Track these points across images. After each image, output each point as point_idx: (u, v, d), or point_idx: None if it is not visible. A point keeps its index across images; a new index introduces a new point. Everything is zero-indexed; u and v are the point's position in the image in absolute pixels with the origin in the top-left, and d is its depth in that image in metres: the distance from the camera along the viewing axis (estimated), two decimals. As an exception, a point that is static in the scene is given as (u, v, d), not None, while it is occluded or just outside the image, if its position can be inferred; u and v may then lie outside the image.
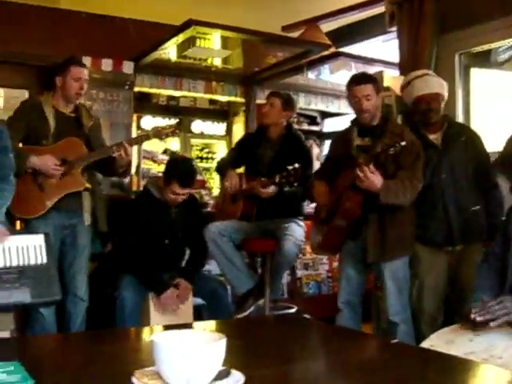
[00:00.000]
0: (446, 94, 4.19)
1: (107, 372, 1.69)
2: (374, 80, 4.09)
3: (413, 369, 1.86)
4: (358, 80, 4.06)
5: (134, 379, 1.53)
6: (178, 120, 7.71)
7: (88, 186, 4.33)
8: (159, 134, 4.56)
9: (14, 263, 3.47)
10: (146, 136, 4.59)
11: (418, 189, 3.84)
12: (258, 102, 7.39)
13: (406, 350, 2.28)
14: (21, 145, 4.28)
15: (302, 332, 2.51)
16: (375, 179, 3.71)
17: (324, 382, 1.81)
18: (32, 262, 3.52)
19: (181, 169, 4.63)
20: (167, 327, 2.24)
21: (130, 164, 4.55)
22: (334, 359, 2.06)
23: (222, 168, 5.06)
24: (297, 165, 4.34)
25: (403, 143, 3.68)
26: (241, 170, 5.06)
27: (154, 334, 1.51)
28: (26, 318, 4.17)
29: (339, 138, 4.29)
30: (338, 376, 1.87)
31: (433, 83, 4.16)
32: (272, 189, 4.52)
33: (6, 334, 3.32)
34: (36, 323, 4.09)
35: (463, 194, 4.04)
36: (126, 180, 6.02)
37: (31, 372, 1.59)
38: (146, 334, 2.17)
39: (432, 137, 4.10)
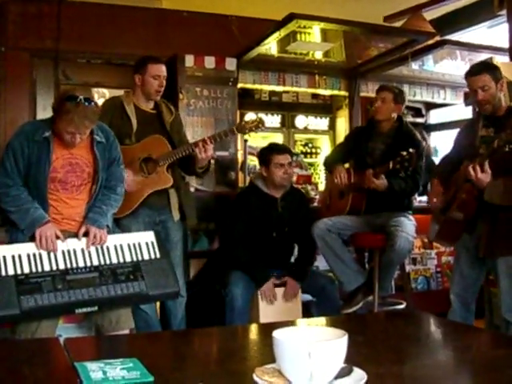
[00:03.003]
0: None
1: (227, 369, 1.66)
2: (492, 68, 3.87)
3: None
4: (471, 71, 3.87)
5: (255, 377, 1.50)
6: (280, 119, 7.71)
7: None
8: (243, 128, 4.55)
9: (128, 259, 3.55)
10: (230, 131, 4.56)
11: None
12: (362, 94, 7.28)
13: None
14: None
15: (420, 328, 2.43)
16: (484, 178, 3.56)
17: (452, 381, 1.72)
18: (145, 258, 3.59)
19: (274, 144, 5.09)
20: (282, 324, 2.19)
21: (210, 163, 4.52)
22: (457, 356, 1.97)
23: (330, 163, 5.02)
24: (411, 150, 4.24)
25: None
26: (346, 165, 4.99)
27: (275, 331, 1.47)
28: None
29: (465, 128, 4.13)
30: (464, 374, 1.78)
31: None
32: (383, 182, 4.43)
33: (126, 333, 3.38)
34: (140, 321, 4.12)
35: None
36: (232, 176, 6.05)
37: (150, 369, 1.58)
38: (262, 330, 2.14)
39: None
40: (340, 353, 1.46)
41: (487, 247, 3.73)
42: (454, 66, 7.84)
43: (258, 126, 4.52)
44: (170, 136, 4.39)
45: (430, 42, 6.23)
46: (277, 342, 1.44)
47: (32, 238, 3.44)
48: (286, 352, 1.42)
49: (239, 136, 6.12)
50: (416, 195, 5.16)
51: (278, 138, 7.53)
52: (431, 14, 6.56)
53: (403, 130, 4.76)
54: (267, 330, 1.72)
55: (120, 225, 4.12)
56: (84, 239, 3.55)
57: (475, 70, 3.85)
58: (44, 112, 4.43)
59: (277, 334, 1.47)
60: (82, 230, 3.57)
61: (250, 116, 7.21)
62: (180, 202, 4.41)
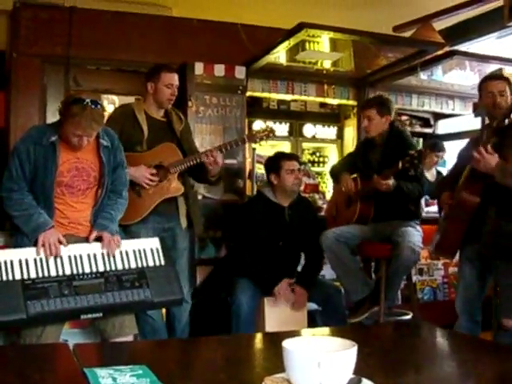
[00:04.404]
0: None
1: (236, 378, 1.66)
2: (507, 80, 4.04)
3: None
4: (492, 76, 4.18)
5: (264, 386, 1.50)
6: (288, 128, 7.68)
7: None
8: (253, 137, 4.61)
9: (133, 265, 3.55)
10: (241, 140, 4.61)
11: None
12: (370, 104, 7.27)
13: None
14: None
15: (428, 339, 2.42)
16: (491, 159, 3.60)
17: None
18: (150, 264, 3.59)
19: (281, 152, 5.19)
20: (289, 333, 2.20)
21: (221, 171, 4.56)
22: (464, 368, 1.96)
23: (336, 173, 5.04)
24: (419, 148, 4.29)
25: None
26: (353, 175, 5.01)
27: (284, 341, 1.47)
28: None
29: (472, 141, 4.19)
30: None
31: None
32: (392, 181, 4.44)
33: (130, 339, 3.38)
34: (146, 326, 4.14)
35: None
36: (240, 185, 6.05)
37: (160, 376, 1.58)
38: (271, 339, 2.14)
39: None
40: (349, 363, 1.46)
41: (490, 246, 3.73)
42: (462, 77, 7.82)
43: (269, 135, 4.56)
44: (181, 144, 4.42)
45: (440, 52, 6.23)
46: (286, 351, 1.44)
47: (36, 244, 3.45)
48: (296, 362, 1.42)
49: (247, 144, 6.13)
50: (423, 205, 5.16)
51: (286, 147, 7.51)
52: (440, 24, 6.55)
53: (393, 134, 4.77)
54: (276, 339, 1.72)
55: (129, 231, 4.13)
56: (91, 244, 3.56)
57: (496, 76, 4.18)
58: (54, 118, 4.42)
59: (286, 343, 1.47)
60: (93, 235, 3.58)
61: (259, 124, 7.21)
62: (188, 210, 4.43)
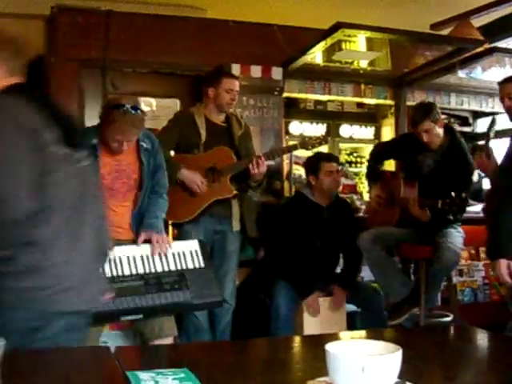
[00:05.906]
0: None
1: (279, 381, 1.64)
2: None
3: None
4: (503, 79, 4.14)
5: (307, 390, 1.48)
6: (325, 128, 7.63)
7: (236, 192, 4.42)
8: (306, 144, 4.67)
9: (173, 268, 3.56)
10: (293, 147, 4.69)
11: None
12: (408, 103, 7.18)
13: None
14: (172, 153, 4.42)
15: (472, 342, 2.37)
16: (487, 163, 3.98)
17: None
18: (190, 266, 3.60)
19: (321, 152, 5.21)
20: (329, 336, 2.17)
21: (264, 177, 4.63)
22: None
23: (370, 176, 4.97)
24: (464, 194, 4.12)
25: None
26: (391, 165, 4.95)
27: (328, 344, 1.45)
28: (179, 322, 4.25)
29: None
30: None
31: None
32: (426, 214, 4.35)
33: (169, 341, 3.39)
34: (190, 326, 4.19)
35: None
36: (278, 186, 6.06)
37: (201, 380, 1.57)
38: (312, 342, 2.12)
39: None
40: (394, 368, 1.43)
41: None
42: (502, 74, 7.69)
43: (321, 142, 4.62)
44: (238, 149, 4.48)
45: (479, 49, 6.15)
46: (330, 355, 1.41)
47: None
48: (340, 366, 1.40)
49: (284, 145, 6.14)
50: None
51: (323, 147, 7.47)
52: (480, 20, 6.46)
53: (455, 147, 4.60)
54: (316, 341, 1.70)
55: (181, 230, 4.25)
56: (131, 247, 3.57)
57: (506, 79, 4.13)
58: (91, 122, 4.47)
59: (330, 347, 1.44)
60: (142, 237, 3.60)
61: (295, 125, 7.20)
62: (241, 213, 4.48)
